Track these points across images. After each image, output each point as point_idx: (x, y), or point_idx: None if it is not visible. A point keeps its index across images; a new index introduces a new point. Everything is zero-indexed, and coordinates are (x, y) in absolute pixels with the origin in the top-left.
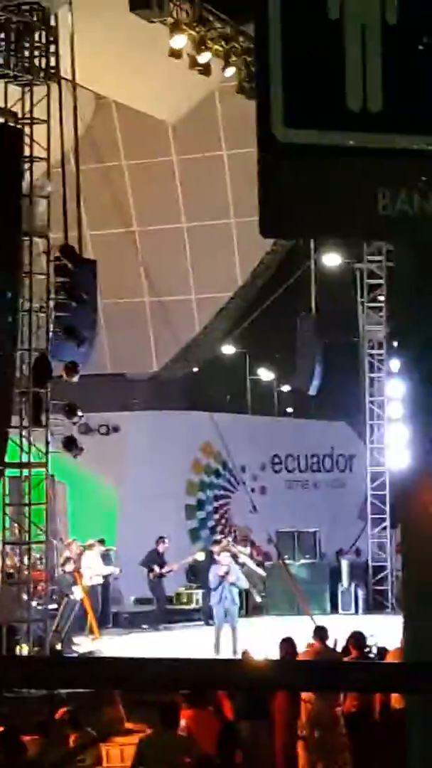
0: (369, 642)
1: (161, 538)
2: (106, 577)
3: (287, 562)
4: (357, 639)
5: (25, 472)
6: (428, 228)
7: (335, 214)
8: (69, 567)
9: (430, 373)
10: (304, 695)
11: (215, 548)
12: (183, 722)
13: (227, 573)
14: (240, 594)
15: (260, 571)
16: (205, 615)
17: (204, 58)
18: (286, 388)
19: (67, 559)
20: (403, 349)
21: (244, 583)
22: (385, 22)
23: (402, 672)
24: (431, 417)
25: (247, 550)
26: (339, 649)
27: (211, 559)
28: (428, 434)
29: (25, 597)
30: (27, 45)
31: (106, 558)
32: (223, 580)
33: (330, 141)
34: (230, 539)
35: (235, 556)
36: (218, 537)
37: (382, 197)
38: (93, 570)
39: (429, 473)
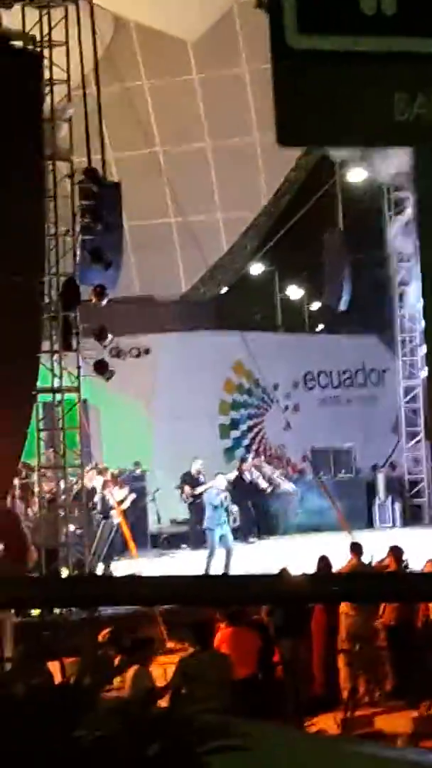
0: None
1: (194, 458)
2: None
3: (323, 478)
4: (395, 551)
5: (58, 396)
6: None
7: (351, 120)
8: (107, 489)
9: None
10: (342, 609)
11: (244, 466)
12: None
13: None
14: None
15: (290, 486)
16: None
17: None
18: (316, 305)
19: (106, 482)
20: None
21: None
22: None
23: None
24: None
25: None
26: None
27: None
28: None
29: (62, 521)
30: None
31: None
32: (224, 501)
33: (344, 46)
34: (261, 458)
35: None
36: (246, 456)
37: (399, 102)
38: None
39: None
